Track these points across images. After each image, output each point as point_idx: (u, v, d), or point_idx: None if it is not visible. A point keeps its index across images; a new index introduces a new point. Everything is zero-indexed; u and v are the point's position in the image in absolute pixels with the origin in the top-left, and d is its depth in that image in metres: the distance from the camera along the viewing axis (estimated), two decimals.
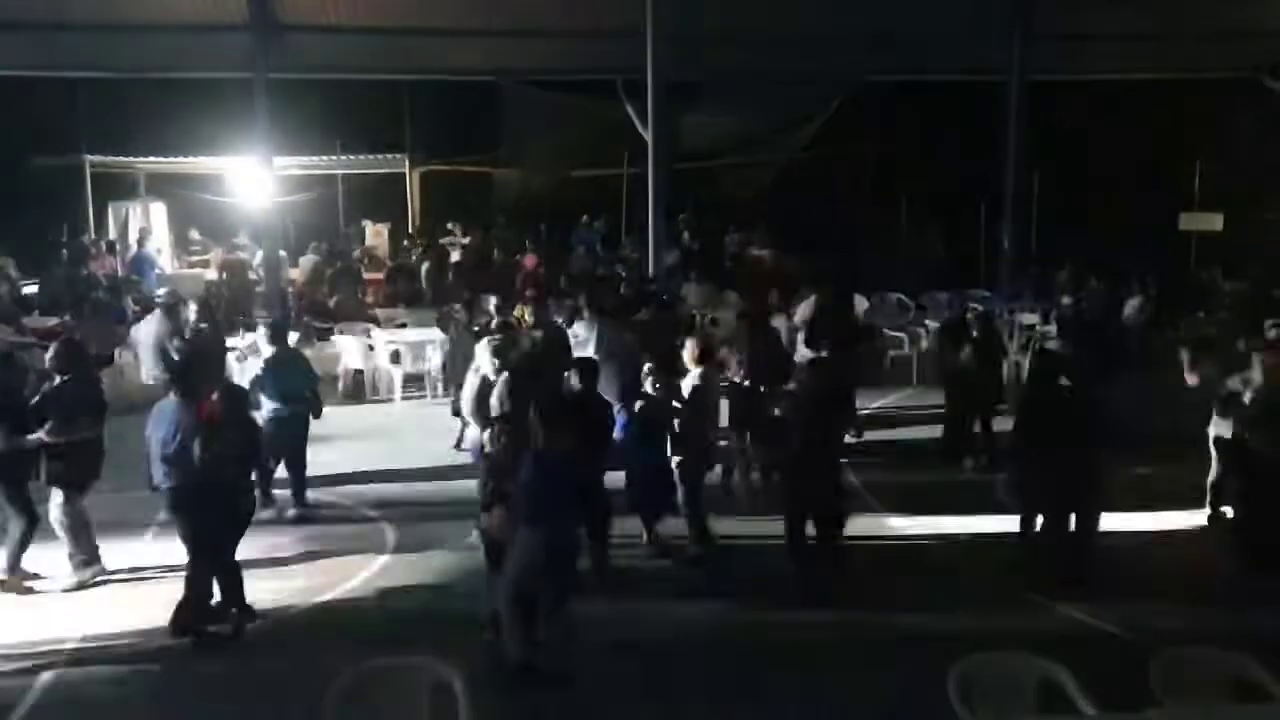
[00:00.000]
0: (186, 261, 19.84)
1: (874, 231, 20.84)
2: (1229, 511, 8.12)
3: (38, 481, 7.40)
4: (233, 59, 16.10)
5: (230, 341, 12.35)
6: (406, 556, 8.04)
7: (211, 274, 18.32)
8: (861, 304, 14.70)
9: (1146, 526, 8.38)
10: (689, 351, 8.39)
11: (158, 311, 11.40)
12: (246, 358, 11.51)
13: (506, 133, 20.05)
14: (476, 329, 10.67)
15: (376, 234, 20.79)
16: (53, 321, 13.94)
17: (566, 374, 7.93)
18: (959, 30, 17.00)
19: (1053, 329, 13.35)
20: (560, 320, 11.04)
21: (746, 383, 9.23)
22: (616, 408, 8.06)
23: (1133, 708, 4.32)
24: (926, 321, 14.80)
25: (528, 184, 21.58)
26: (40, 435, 7.14)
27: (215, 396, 6.83)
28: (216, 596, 6.76)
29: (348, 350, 13.80)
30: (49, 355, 7.62)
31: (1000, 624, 6.65)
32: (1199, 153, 18.61)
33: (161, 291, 13.54)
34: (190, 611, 6.62)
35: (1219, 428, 8.11)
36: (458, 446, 9.80)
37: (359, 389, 13.42)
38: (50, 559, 7.54)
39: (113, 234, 19.95)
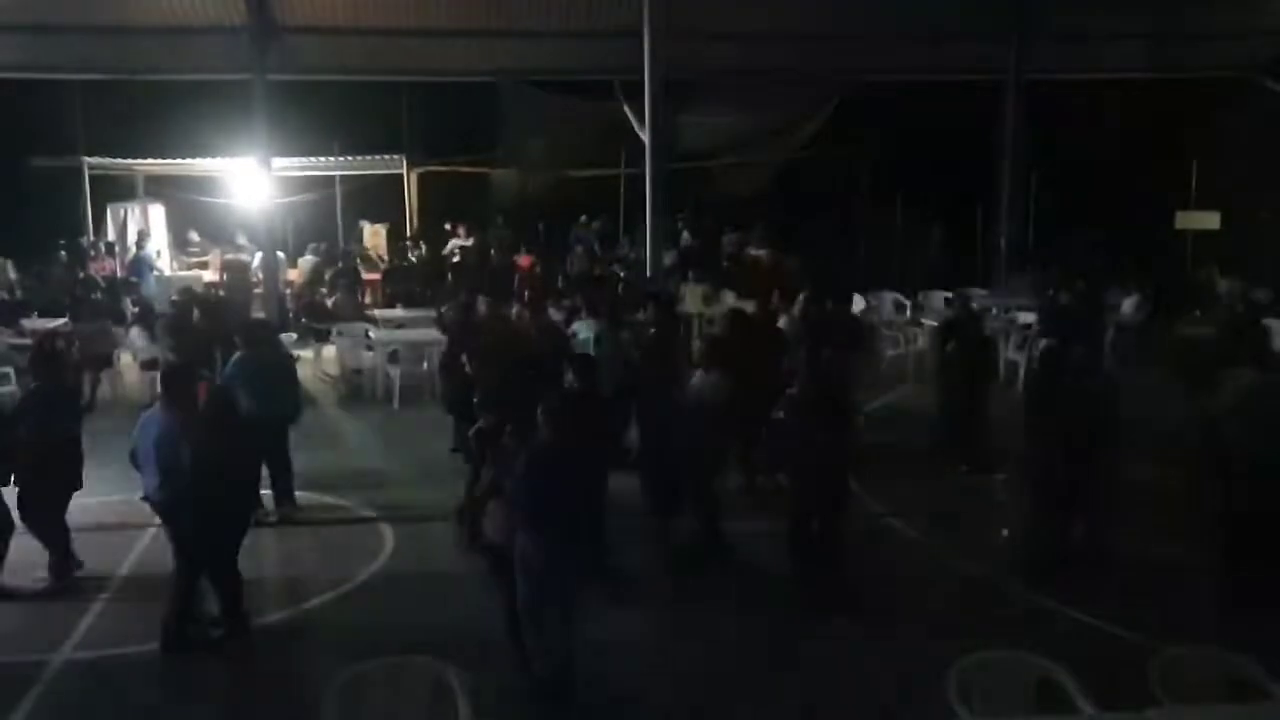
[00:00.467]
0: (185, 263, 19.85)
1: (871, 231, 20.86)
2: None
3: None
4: (231, 61, 16.11)
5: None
6: (405, 557, 8.03)
7: (211, 275, 18.32)
8: (858, 303, 14.71)
9: (1147, 526, 8.39)
10: (698, 353, 8.38)
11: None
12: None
13: (504, 133, 20.06)
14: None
15: (375, 235, 20.80)
16: (51, 323, 13.94)
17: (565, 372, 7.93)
18: (958, 30, 17.02)
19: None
20: (559, 319, 11.05)
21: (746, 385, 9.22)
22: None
23: (1133, 708, 4.32)
24: (923, 321, 14.81)
25: (525, 184, 21.58)
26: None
27: (204, 401, 6.66)
28: (211, 605, 6.64)
29: (346, 351, 13.81)
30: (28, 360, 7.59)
31: (1000, 624, 6.66)
32: (1196, 152, 18.63)
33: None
34: (175, 624, 6.45)
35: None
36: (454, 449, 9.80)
37: (357, 389, 13.43)
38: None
39: (111, 236, 19.99)
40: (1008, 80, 17.16)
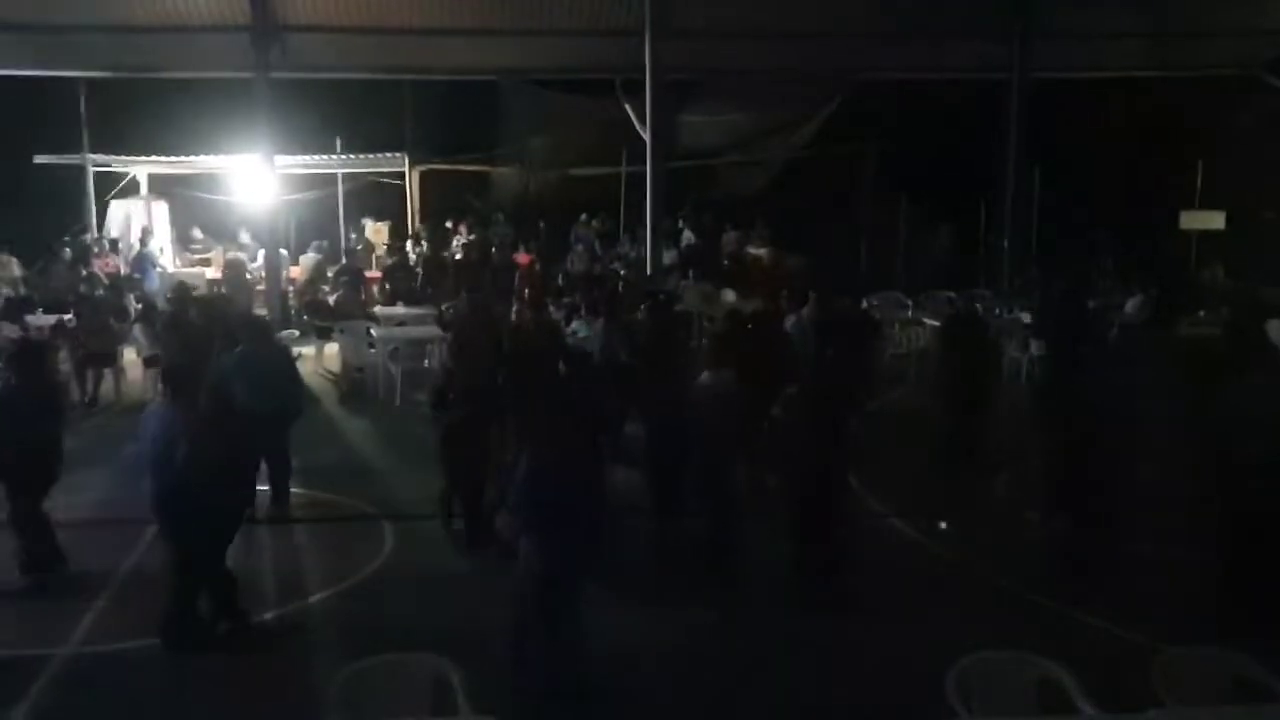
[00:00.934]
0: (188, 260, 19.88)
1: (873, 230, 20.84)
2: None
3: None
4: (234, 59, 16.13)
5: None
6: (405, 554, 8.04)
7: (214, 273, 18.35)
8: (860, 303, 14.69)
9: (1148, 526, 8.38)
10: (706, 353, 8.36)
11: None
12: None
13: (506, 132, 20.07)
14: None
15: (377, 232, 20.81)
16: (55, 320, 13.96)
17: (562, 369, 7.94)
18: (960, 28, 17.00)
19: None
20: (559, 317, 11.06)
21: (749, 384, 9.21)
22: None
23: (1134, 708, 4.32)
24: (926, 320, 14.79)
25: (527, 183, 21.58)
26: None
27: (203, 397, 6.67)
28: (207, 602, 6.63)
29: (348, 348, 13.81)
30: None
31: (1001, 623, 6.65)
32: (1201, 151, 18.59)
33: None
34: (175, 621, 6.46)
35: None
36: None
37: (359, 386, 13.43)
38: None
39: (115, 233, 20.03)
40: (1011, 79, 17.12)
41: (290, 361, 9.37)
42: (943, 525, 8.26)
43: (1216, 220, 18.04)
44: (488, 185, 22.16)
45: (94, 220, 20.25)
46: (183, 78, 18.15)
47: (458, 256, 19.39)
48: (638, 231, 18.01)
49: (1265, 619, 6.11)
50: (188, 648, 6.44)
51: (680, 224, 20.31)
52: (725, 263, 19.33)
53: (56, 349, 12.85)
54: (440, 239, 19.96)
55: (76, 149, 19.85)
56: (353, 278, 16.84)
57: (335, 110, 19.68)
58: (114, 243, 19.43)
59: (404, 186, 21.38)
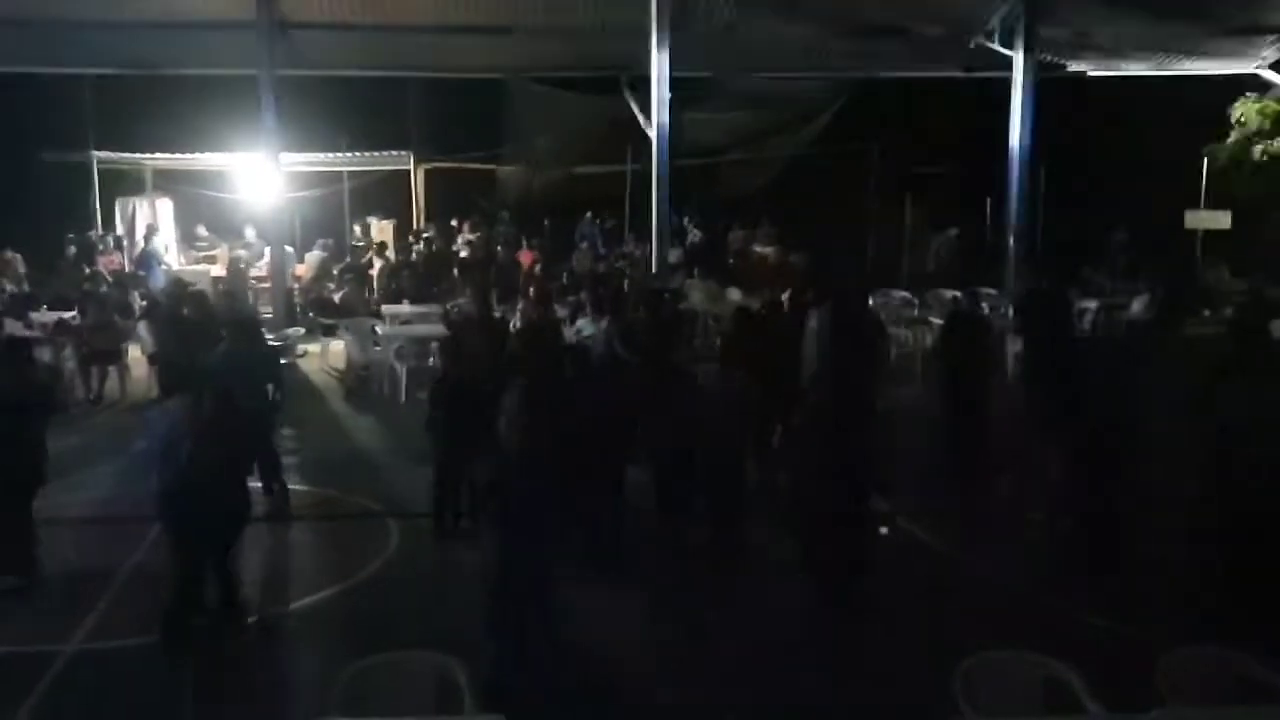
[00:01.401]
0: (193, 257, 19.90)
1: (878, 229, 20.80)
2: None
3: None
4: (240, 56, 16.15)
5: None
6: (410, 552, 8.04)
7: (219, 270, 18.37)
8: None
9: (1149, 526, 8.36)
10: (721, 351, 8.35)
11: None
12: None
13: (511, 130, 20.05)
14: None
15: (381, 231, 20.82)
16: (58, 317, 13.99)
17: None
18: (965, 26, 16.97)
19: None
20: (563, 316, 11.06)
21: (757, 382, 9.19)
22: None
23: (1138, 708, 4.31)
24: (930, 319, 14.76)
25: (532, 181, 21.58)
26: None
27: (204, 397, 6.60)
28: (210, 600, 6.62)
29: (353, 346, 13.82)
30: None
31: (1005, 623, 6.64)
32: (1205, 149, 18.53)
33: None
34: (176, 618, 6.44)
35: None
36: None
37: (364, 384, 13.44)
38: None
39: (120, 230, 20.04)
40: (1015, 78, 17.08)
41: (275, 364, 9.20)
42: (884, 530, 8.19)
43: (1222, 220, 17.98)
44: (493, 183, 22.16)
45: (99, 217, 20.27)
46: (188, 74, 18.16)
47: (462, 255, 19.44)
48: (643, 230, 18.00)
49: (1266, 619, 6.10)
50: (190, 646, 6.43)
51: (686, 222, 20.30)
52: (731, 261, 19.33)
53: (61, 345, 12.93)
54: (445, 237, 19.98)
55: (81, 145, 19.88)
56: (357, 275, 16.88)
57: (340, 108, 19.68)
58: (119, 240, 19.46)
59: (409, 184, 21.39)
